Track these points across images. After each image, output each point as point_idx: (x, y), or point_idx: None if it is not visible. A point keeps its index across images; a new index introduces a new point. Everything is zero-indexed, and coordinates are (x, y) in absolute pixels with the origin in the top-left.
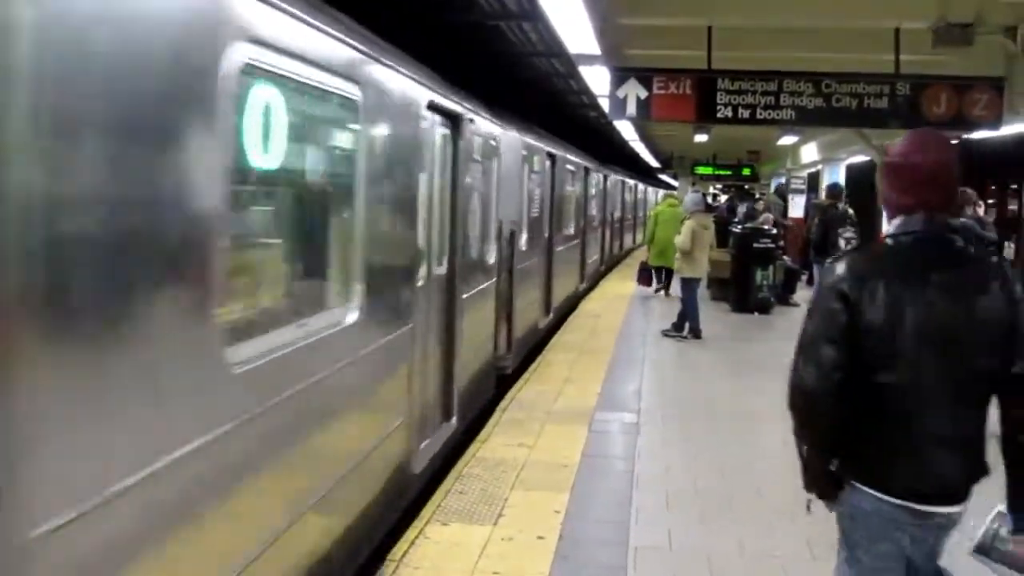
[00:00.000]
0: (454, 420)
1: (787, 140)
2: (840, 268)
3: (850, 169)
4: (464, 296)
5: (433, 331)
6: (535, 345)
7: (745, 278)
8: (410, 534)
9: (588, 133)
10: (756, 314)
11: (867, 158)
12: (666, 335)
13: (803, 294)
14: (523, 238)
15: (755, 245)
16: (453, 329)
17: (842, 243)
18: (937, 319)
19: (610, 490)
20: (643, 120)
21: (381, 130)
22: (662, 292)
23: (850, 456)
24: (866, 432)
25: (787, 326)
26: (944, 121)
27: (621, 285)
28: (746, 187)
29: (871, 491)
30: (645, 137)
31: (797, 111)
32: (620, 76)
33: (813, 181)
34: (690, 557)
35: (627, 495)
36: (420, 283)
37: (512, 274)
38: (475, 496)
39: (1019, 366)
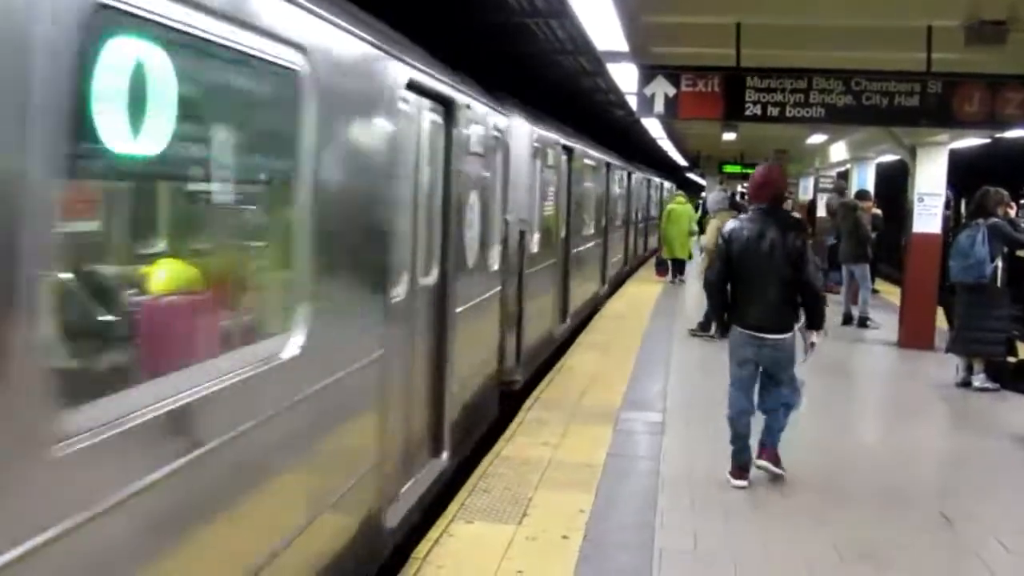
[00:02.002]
0: (445, 456)
1: (816, 139)
2: (727, 226)
3: (880, 168)
4: (459, 309)
5: (417, 354)
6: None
7: None
8: (434, 532)
9: (614, 131)
10: None
11: (897, 157)
12: (693, 335)
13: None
14: (535, 239)
15: None
16: (444, 349)
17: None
18: (762, 250)
19: (635, 491)
20: (670, 119)
21: (337, 112)
22: (678, 280)
23: (730, 312)
24: (734, 301)
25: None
26: (976, 120)
27: (646, 285)
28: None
29: (737, 327)
30: (673, 136)
31: (827, 109)
32: (648, 74)
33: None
34: (715, 559)
35: (652, 496)
36: (397, 299)
37: (521, 279)
38: (499, 495)
39: (802, 274)
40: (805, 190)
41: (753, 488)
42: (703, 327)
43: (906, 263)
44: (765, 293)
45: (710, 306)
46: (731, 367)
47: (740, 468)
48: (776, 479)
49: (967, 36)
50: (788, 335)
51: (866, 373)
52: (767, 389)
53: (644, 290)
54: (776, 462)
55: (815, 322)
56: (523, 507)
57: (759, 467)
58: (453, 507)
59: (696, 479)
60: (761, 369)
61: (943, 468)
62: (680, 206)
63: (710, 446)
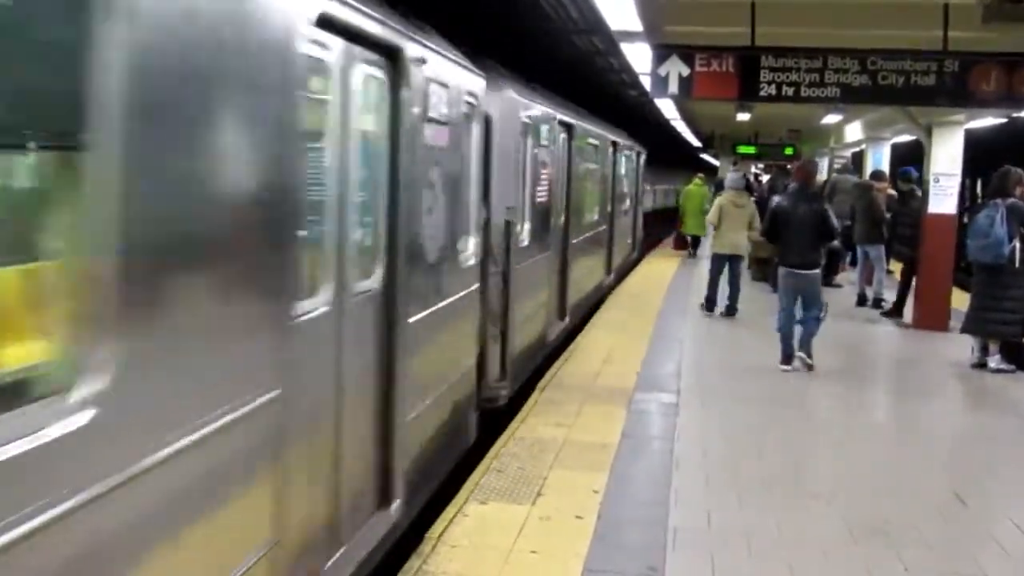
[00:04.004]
0: (394, 507)
1: (831, 119)
2: (774, 200)
3: (896, 148)
4: (415, 318)
5: (348, 384)
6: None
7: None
8: (448, 512)
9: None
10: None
11: (913, 137)
12: (726, 314)
13: (846, 275)
14: (525, 229)
15: None
16: (392, 372)
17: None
18: (797, 214)
19: (649, 471)
20: (684, 99)
21: (166, 47)
22: (690, 253)
23: (779, 257)
24: (781, 249)
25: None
26: (992, 99)
27: (662, 263)
28: (788, 167)
29: (782, 267)
30: (686, 115)
31: (842, 89)
32: (662, 54)
33: (857, 160)
34: (729, 538)
35: (666, 476)
36: (311, 315)
37: (508, 276)
38: (513, 475)
39: (826, 224)
40: (820, 171)
41: (766, 467)
42: (729, 309)
43: (921, 244)
44: (800, 243)
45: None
46: (779, 295)
47: (786, 357)
48: (810, 368)
49: (985, 14)
50: (815, 270)
51: (881, 354)
52: (803, 308)
53: (659, 268)
54: (810, 356)
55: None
56: (537, 487)
57: (799, 358)
58: (467, 487)
59: (710, 458)
60: (799, 294)
61: (957, 448)
62: (696, 187)
63: (724, 426)
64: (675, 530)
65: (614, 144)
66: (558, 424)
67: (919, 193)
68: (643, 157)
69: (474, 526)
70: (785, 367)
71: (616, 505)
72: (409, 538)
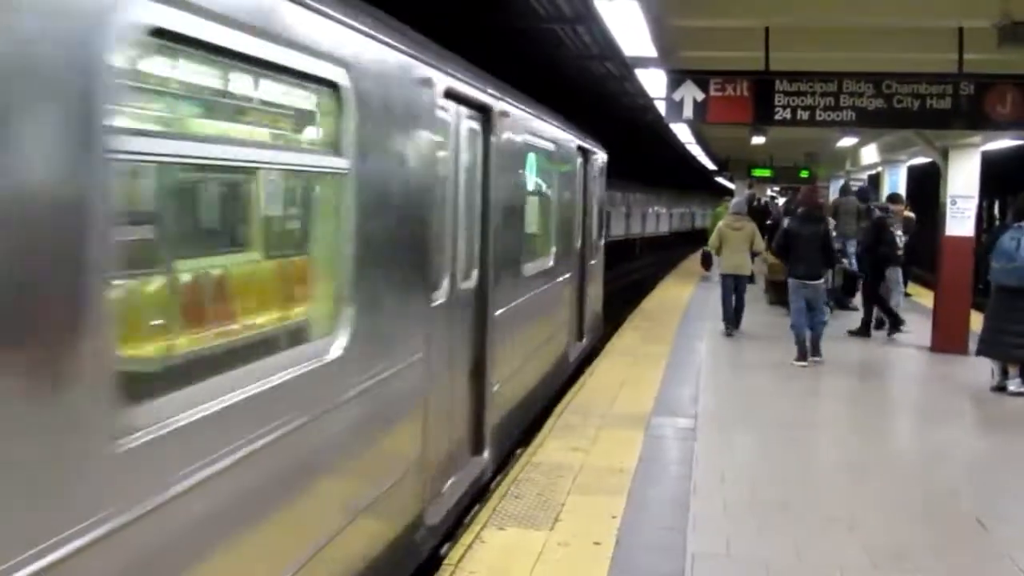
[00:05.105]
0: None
1: (846, 142)
2: (786, 223)
3: (912, 171)
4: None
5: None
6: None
7: None
8: (466, 538)
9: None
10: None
11: (929, 159)
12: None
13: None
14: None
15: None
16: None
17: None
18: (804, 234)
19: (667, 496)
20: (699, 123)
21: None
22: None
23: (790, 271)
24: (792, 264)
25: (847, 332)
26: (1009, 121)
27: (678, 287)
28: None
29: (792, 279)
30: (701, 140)
31: (857, 112)
32: (676, 78)
33: (874, 183)
34: (748, 565)
35: (684, 501)
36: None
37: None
38: (531, 501)
39: (827, 244)
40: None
41: (785, 492)
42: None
43: (939, 266)
44: (808, 258)
45: (784, 262)
46: (791, 304)
47: (801, 355)
48: (820, 365)
49: (1000, 36)
50: (820, 281)
51: (898, 376)
52: (809, 311)
53: (676, 293)
54: (820, 355)
55: (830, 264)
56: (555, 513)
57: (811, 360)
58: (485, 513)
59: (728, 483)
60: (807, 302)
61: (978, 472)
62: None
63: (742, 450)
64: (693, 556)
65: (584, 153)
66: (575, 448)
67: (876, 213)
68: (603, 163)
69: (493, 552)
70: (799, 363)
71: (634, 531)
72: (431, 561)
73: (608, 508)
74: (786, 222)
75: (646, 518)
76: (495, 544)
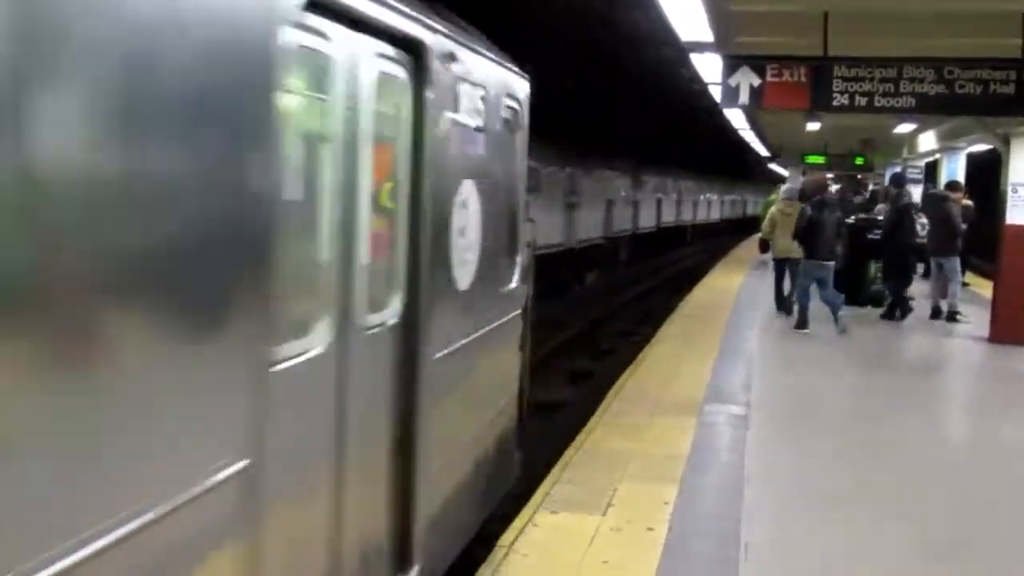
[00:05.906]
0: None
1: (903, 128)
2: (807, 209)
3: (971, 158)
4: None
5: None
6: None
7: (858, 271)
8: (519, 521)
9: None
10: (869, 308)
11: (989, 147)
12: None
13: (918, 287)
14: None
15: (868, 236)
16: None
17: (919, 228)
18: (822, 218)
19: (719, 484)
20: (755, 109)
21: None
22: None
23: (809, 252)
24: (811, 246)
25: (903, 322)
26: None
27: (730, 275)
28: (859, 176)
29: (809, 259)
30: (755, 126)
31: (917, 98)
32: (732, 64)
33: (931, 171)
34: (802, 554)
35: (737, 489)
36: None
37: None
38: (583, 486)
39: (841, 226)
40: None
41: (839, 481)
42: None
43: (999, 255)
44: (826, 242)
45: (803, 245)
46: (800, 278)
47: (801, 324)
48: (844, 332)
49: None
50: (833, 262)
51: (956, 369)
52: (820, 287)
53: (726, 281)
54: (839, 324)
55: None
56: (607, 498)
57: (838, 330)
58: (537, 497)
59: (781, 472)
60: (817, 279)
61: None
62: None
63: (795, 439)
64: (747, 545)
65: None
66: (626, 436)
67: (903, 200)
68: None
69: (545, 536)
70: (802, 331)
71: (687, 518)
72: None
73: (660, 495)
74: (806, 211)
75: (699, 505)
76: (547, 527)
